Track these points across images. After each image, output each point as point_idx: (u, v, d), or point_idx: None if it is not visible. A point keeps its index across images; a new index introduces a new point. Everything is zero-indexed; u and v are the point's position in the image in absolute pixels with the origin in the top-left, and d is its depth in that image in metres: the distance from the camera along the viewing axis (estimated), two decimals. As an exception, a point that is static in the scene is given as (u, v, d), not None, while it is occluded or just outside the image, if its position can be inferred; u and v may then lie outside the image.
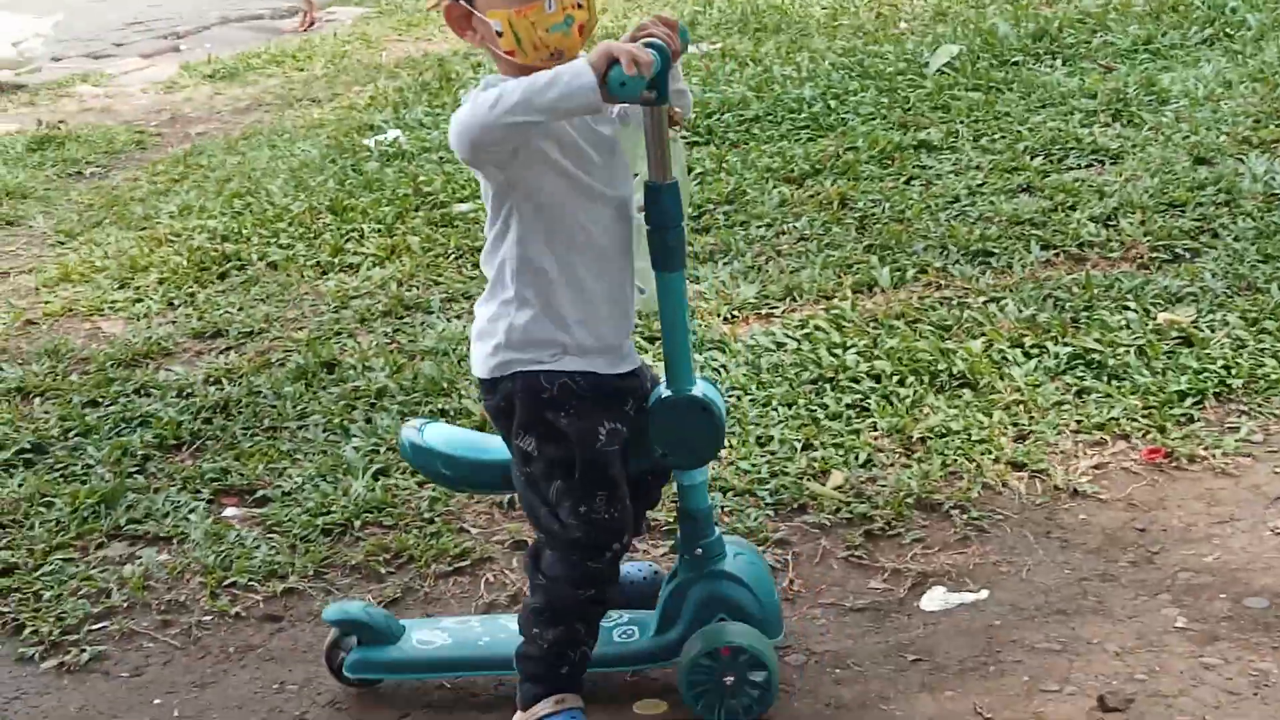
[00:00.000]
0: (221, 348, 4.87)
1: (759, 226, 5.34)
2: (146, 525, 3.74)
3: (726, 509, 3.53)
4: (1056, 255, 4.83)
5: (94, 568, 3.57)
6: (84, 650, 3.24)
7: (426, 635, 2.97)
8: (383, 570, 3.45)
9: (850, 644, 3.05)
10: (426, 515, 3.64)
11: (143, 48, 12.75)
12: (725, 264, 5.05)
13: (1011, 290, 4.56)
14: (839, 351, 4.25)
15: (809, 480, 3.63)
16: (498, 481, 2.85)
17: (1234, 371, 3.95)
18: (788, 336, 4.39)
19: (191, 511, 3.77)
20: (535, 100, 2.33)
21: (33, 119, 9.28)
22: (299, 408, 4.28)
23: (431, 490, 3.71)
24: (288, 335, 4.85)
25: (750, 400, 4.04)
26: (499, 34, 2.45)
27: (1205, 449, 3.65)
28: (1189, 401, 3.85)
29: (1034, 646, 2.97)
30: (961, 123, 6.21)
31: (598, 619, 2.78)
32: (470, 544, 3.50)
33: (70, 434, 4.26)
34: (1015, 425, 3.83)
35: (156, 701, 3.09)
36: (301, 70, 10.58)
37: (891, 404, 3.96)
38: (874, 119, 6.39)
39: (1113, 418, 3.80)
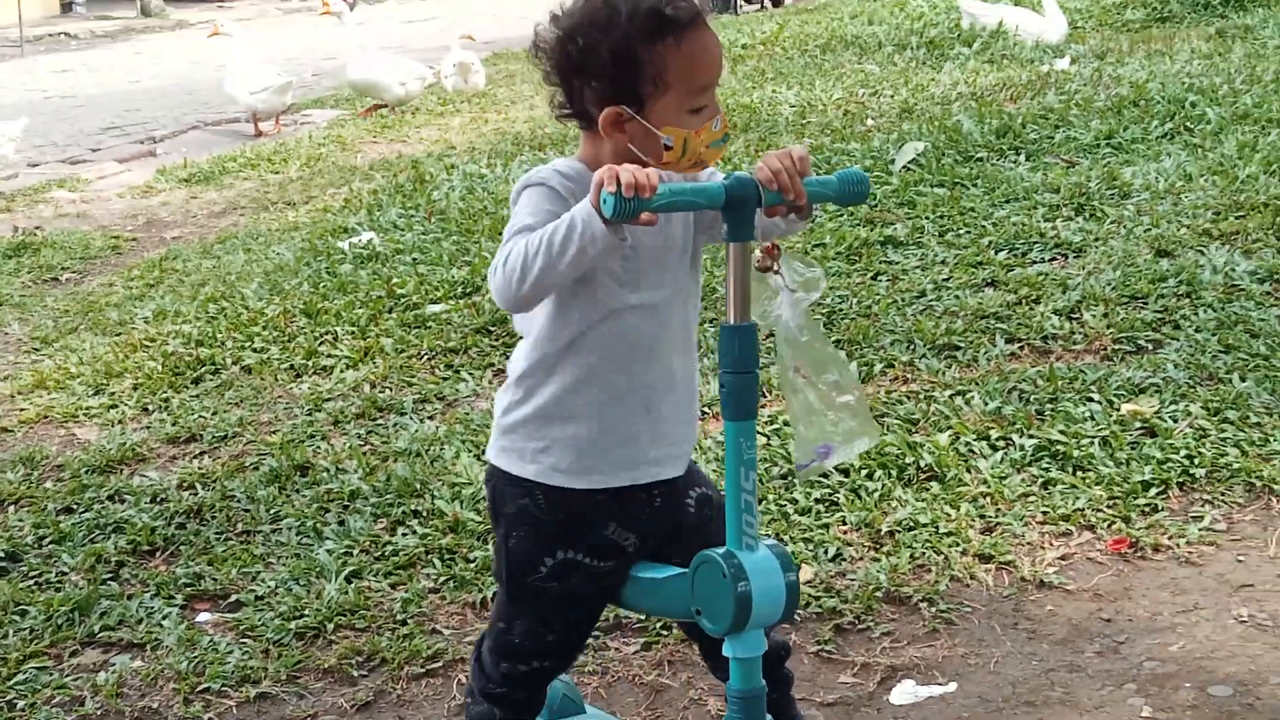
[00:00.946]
0: (195, 452, 4.89)
1: (729, 323, 5.39)
2: (120, 632, 3.74)
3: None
4: (1021, 348, 4.90)
5: (68, 676, 3.56)
6: (57, 759, 3.25)
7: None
8: (355, 673, 3.46)
9: (820, 739, 3.07)
10: (399, 617, 3.66)
11: (119, 152, 12.87)
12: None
13: (977, 383, 4.62)
14: (808, 447, 4.28)
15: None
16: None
17: (1197, 461, 4.01)
18: (757, 432, 4.42)
19: (165, 617, 3.78)
20: (558, 264, 2.26)
21: (8, 225, 9.33)
22: (272, 511, 4.30)
23: (404, 592, 3.74)
24: (261, 438, 4.88)
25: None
26: (668, 148, 2.39)
27: (1169, 538, 3.70)
28: (1153, 491, 3.91)
29: (1002, 739, 3.00)
30: (927, 218, 6.30)
31: None
32: (443, 645, 3.51)
33: (44, 541, 4.27)
34: (982, 517, 3.88)
35: (129, 809, 3.09)
36: (277, 173, 10.68)
37: (860, 498, 4.00)
38: (841, 215, 6.47)
39: (1078, 509, 3.85)
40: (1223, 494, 3.89)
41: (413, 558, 3.93)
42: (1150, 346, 4.79)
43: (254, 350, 5.76)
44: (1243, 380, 4.44)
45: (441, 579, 3.80)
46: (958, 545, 3.73)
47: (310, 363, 5.57)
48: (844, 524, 3.90)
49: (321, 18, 13.95)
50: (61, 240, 8.73)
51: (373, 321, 5.90)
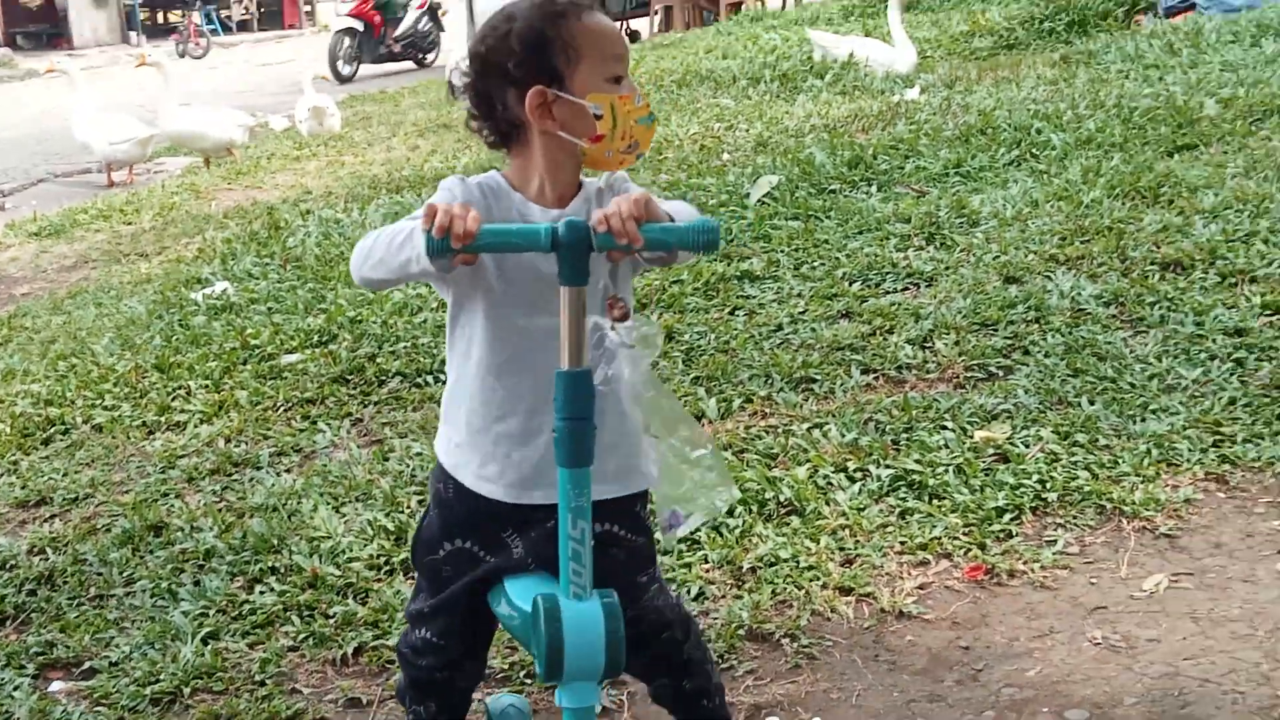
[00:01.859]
0: (46, 515, 4.77)
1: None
2: (-32, 706, 3.63)
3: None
4: (876, 379, 4.95)
5: (-88, 755, 3.46)
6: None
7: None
8: (213, 738, 3.39)
9: (686, 782, 3.05)
10: (258, 677, 3.58)
11: (-34, 208, 12.58)
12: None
13: (834, 415, 4.66)
14: (668, 486, 4.28)
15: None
16: None
17: (1049, 485, 4.08)
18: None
19: (16, 689, 3.66)
20: (390, 260, 2.38)
21: None
22: (126, 574, 4.20)
23: (262, 652, 3.67)
24: (114, 499, 4.77)
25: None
26: (598, 117, 2.45)
27: (1024, 564, 3.75)
28: (1007, 517, 3.96)
29: (865, 773, 3.01)
30: (782, 251, 6.36)
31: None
32: (302, 704, 3.45)
33: (-113, 615, 4.14)
34: (842, 550, 3.90)
35: None
36: (129, 224, 10.51)
37: (721, 535, 4.01)
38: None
39: (935, 537, 3.90)
40: (1075, 517, 3.95)
41: (271, 616, 3.86)
42: (1001, 373, 4.87)
43: (105, 408, 5.64)
44: (1091, 403, 4.53)
45: (301, 636, 3.74)
46: (818, 579, 3.75)
47: (163, 419, 5.46)
48: (706, 562, 3.90)
49: (138, 69, 13.68)
50: (-94, 300, 8.52)
51: (227, 374, 5.81)
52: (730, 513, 4.10)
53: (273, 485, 4.66)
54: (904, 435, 4.46)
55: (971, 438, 4.39)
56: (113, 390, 5.80)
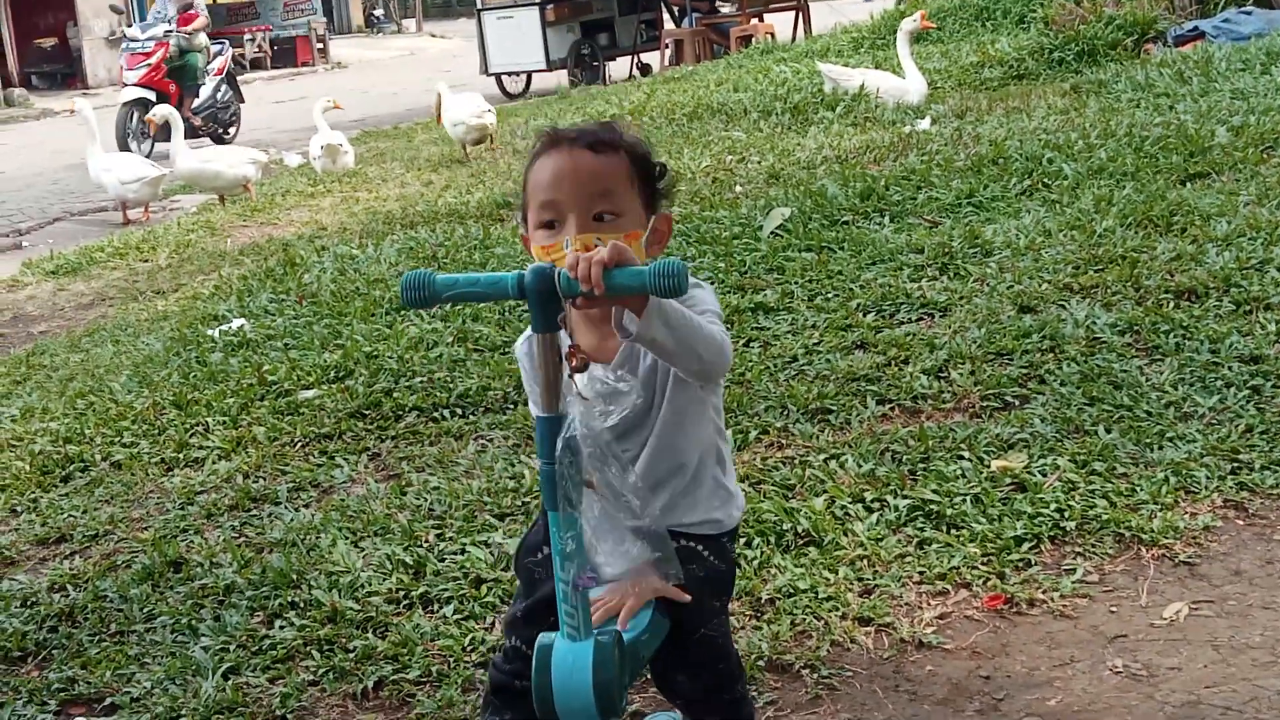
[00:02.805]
0: (66, 553, 4.79)
1: (604, 397, 5.40)
2: (-10, 743, 3.65)
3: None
4: (892, 409, 4.96)
5: (-65, 793, 3.47)
6: None
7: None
8: (235, 773, 3.40)
9: (707, 814, 3.05)
10: (279, 712, 3.60)
11: (-17, 247, 12.66)
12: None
13: (850, 446, 4.67)
14: (686, 518, 4.29)
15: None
16: None
17: (1067, 514, 4.07)
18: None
19: (38, 725, 3.69)
20: None
21: None
22: (146, 609, 4.22)
23: (283, 686, 3.68)
24: (133, 536, 4.79)
25: (600, 573, 4.06)
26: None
27: (1043, 592, 3.75)
28: (1025, 546, 3.96)
29: (887, 803, 3.01)
30: (796, 283, 6.38)
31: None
32: (324, 739, 3.47)
33: (-91, 653, 4.15)
34: (860, 580, 3.90)
35: None
36: (146, 261, 10.56)
37: (740, 566, 4.01)
38: (711, 283, 6.52)
39: (953, 567, 3.90)
40: (1093, 546, 3.95)
41: (291, 650, 3.87)
42: (1017, 402, 4.88)
43: (123, 445, 5.66)
44: (1108, 432, 4.53)
45: (321, 671, 3.75)
46: (837, 609, 3.76)
47: (181, 455, 5.48)
48: (724, 594, 3.90)
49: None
50: (-77, 339, 8.56)
51: (244, 410, 5.83)
52: (748, 544, 4.11)
53: (291, 520, 4.68)
54: (921, 465, 4.47)
55: (988, 467, 4.39)
56: (131, 427, 5.83)
